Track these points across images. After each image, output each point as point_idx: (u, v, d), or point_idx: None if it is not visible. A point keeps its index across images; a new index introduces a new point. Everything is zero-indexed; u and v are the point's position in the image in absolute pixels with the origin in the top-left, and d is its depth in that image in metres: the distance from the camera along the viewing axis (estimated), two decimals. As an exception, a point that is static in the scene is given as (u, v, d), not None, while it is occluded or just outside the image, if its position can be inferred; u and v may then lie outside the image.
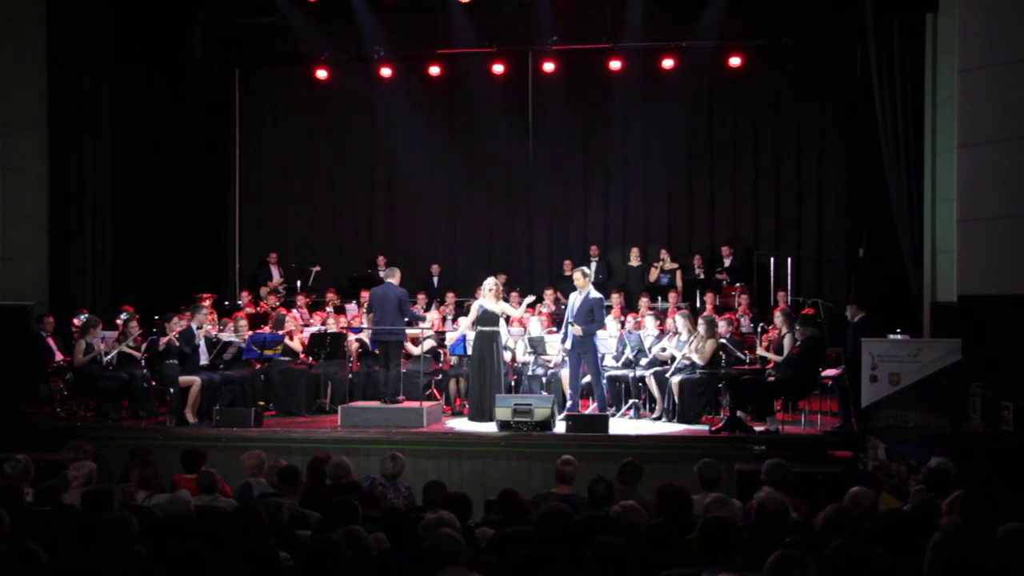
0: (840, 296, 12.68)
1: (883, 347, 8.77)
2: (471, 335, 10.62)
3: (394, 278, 10.70)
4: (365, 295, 12.79)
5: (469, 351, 10.67)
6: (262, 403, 11.01)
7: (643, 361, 10.72)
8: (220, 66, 15.34)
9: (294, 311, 12.28)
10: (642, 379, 10.68)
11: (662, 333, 10.97)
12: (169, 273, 14.47)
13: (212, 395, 10.52)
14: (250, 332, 11.18)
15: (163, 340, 10.40)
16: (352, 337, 11.61)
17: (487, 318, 10.42)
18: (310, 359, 11.26)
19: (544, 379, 10.97)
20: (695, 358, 10.16)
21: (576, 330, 10.12)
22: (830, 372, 10.28)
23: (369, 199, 16.34)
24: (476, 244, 15.92)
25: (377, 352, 11.14)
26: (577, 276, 10.43)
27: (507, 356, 10.98)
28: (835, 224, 14.76)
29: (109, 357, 10.71)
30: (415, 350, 11.29)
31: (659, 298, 13.19)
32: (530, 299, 11.17)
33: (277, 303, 12.98)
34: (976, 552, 3.97)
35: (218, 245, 15.83)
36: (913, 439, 8.40)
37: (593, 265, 13.87)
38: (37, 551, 3.85)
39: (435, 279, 14.86)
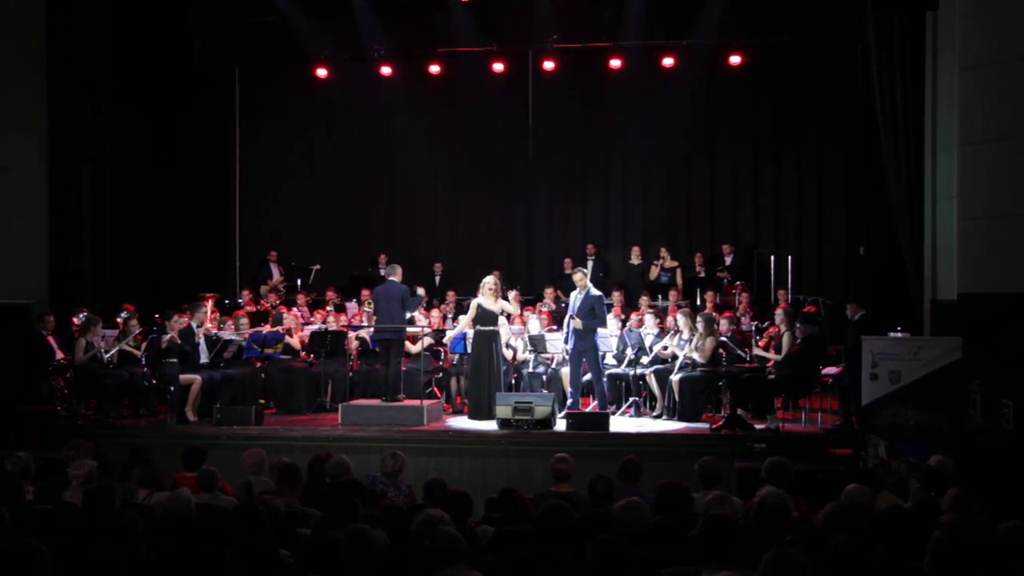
0: (840, 294, 12.66)
1: (883, 345, 8.77)
2: (471, 333, 10.63)
3: (395, 275, 10.73)
4: (365, 293, 12.82)
5: (469, 349, 10.68)
6: (262, 401, 11.01)
7: (644, 359, 10.72)
8: (220, 65, 15.32)
9: (294, 309, 12.28)
10: (642, 377, 10.68)
11: (662, 331, 10.98)
12: (169, 272, 14.49)
13: (212, 393, 10.53)
14: (251, 330, 11.19)
15: (164, 338, 10.40)
16: (352, 335, 11.62)
17: (486, 317, 10.43)
18: (311, 357, 11.26)
19: (545, 377, 10.97)
20: (696, 356, 10.17)
21: (576, 323, 10.13)
22: (830, 370, 10.28)
23: (369, 197, 16.33)
24: (475, 242, 15.90)
25: (378, 350, 11.15)
26: (577, 276, 10.45)
27: (508, 354, 10.99)
28: (835, 222, 14.76)
29: (109, 355, 10.72)
30: (414, 348, 11.30)
31: (659, 296, 13.19)
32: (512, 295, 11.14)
33: (277, 301, 12.99)
34: (976, 550, 3.98)
35: (218, 243, 15.82)
36: (913, 437, 8.39)
37: (590, 263, 13.86)
38: (39, 549, 3.86)
39: (437, 278, 14.86)
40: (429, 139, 15.74)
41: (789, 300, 12.62)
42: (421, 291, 11.85)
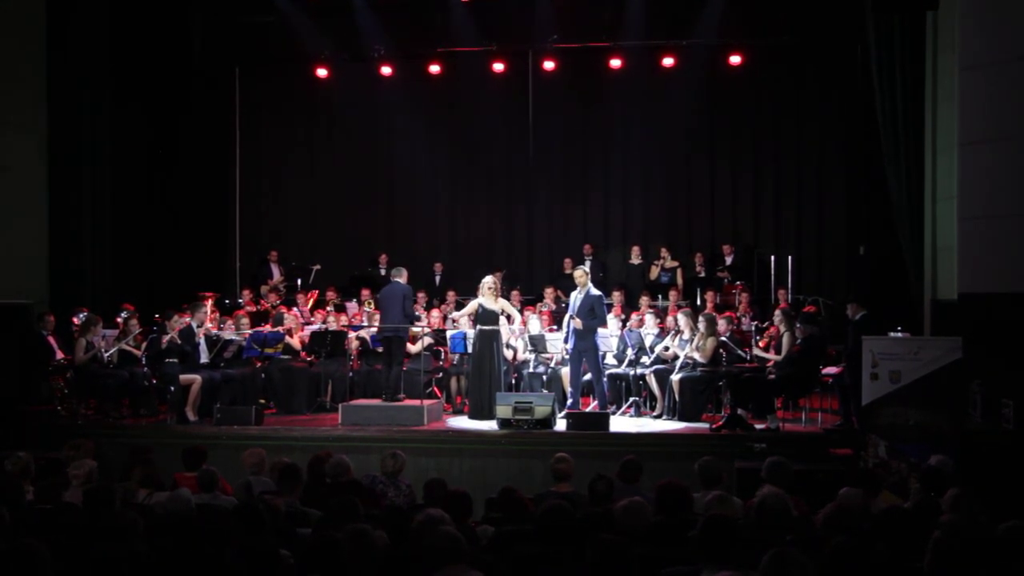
0: (841, 294, 12.67)
1: (884, 345, 8.77)
2: (471, 333, 10.64)
3: (401, 277, 10.76)
4: (366, 293, 12.84)
5: (470, 349, 10.68)
6: (263, 401, 11.01)
7: (644, 359, 10.72)
8: (220, 65, 15.32)
9: (295, 309, 12.28)
10: (643, 377, 10.68)
11: (662, 331, 10.98)
12: (169, 272, 14.49)
13: (213, 393, 10.53)
14: (251, 330, 11.19)
15: (165, 338, 10.40)
16: (352, 335, 11.62)
17: (487, 317, 10.43)
18: (311, 357, 11.26)
19: (545, 377, 10.97)
20: (697, 356, 10.17)
21: (576, 323, 10.13)
22: (831, 370, 10.28)
23: (369, 197, 16.33)
24: (476, 243, 15.91)
25: (380, 350, 11.15)
26: (579, 274, 10.45)
27: (508, 354, 10.99)
28: (836, 222, 14.76)
29: (109, 355, 10.70)
30: (413, 348, 11.31)
31: (659, 296, 13.19)
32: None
33: (278, 301, 13.00)
34: (976, 550, 3.98)
35: (218, 243, 15.82)
36: (914, 437, 8.39)
37: (588, 263, 13.85)
38: (39, 549, 3.85)
39: (437, 278, 14.87)
40: (429, 139, 15.73)
41: (789, 300, 12.63)
42: (420, 308, 11.99)
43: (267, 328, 11.27)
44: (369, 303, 12.45)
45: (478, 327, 10.48)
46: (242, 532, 4.63)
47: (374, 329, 11.41)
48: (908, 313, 10.77)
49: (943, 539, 3.97)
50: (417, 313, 11.63)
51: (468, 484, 7.52)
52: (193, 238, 15.08)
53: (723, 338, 10.22)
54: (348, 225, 16.20)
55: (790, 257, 13.70)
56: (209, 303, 11.75)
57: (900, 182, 11.12)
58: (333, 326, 11.48)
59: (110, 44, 13.43)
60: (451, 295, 13.43)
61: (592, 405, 10.49)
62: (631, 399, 10.77)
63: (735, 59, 14.37)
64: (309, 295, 13.54)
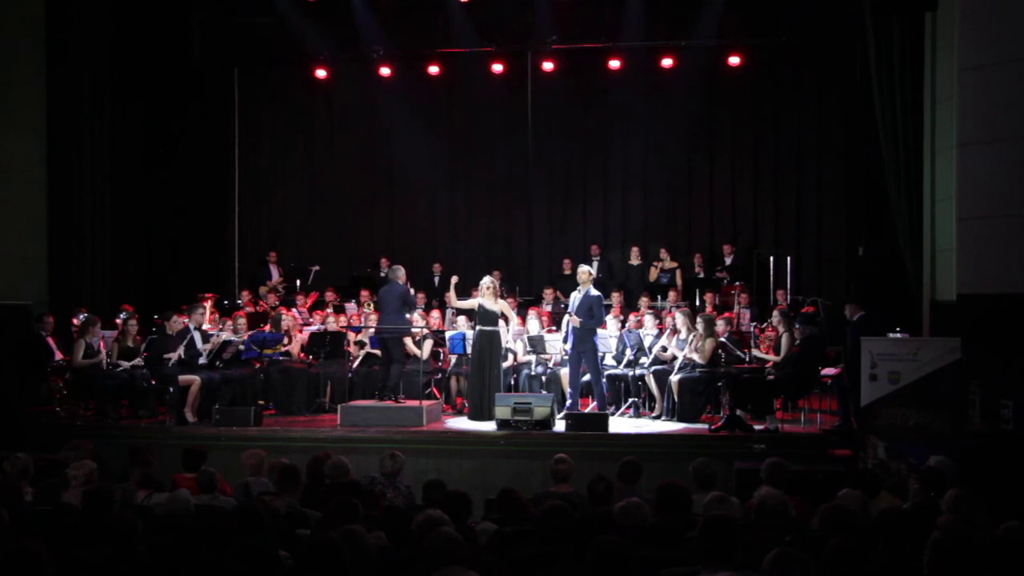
0: (840, 295, 12.66)
1: (883, 346, 8.76)
2: (471, 334, 10.64)
3: (398, 277, 10.77)
4: (365, 295, 12.84)
5: (469, 350, 10.68)
6: (262, 402, 10.99)
7: (643, 360, 10.71)
8: (219, 66, 15.32)
9: (294, 310, 12.28)
10: (642, 378, 10.68)
11: (661, 332, 10.97)
12: (169, 272, 14.49)
13: (212, 394, 10.51)
14: (249, 331, 11.18)
15: (171, 357, 10.38)
16: (352, 337, 11.60)
17: (487, 317, 10.42)
18: (310, 358, 11.25)
19: (544, 378, 10.97)
20: (695, 357, 10.17)
21: (574, 320, 10.13)
22: (829, 371, 10.28)
23: (368, 198, 16.33)
24: (475, 243, 15.92)
25: (379, 353, 11.14)
26: (582, 273, 10.44)
27: (509, 359, 10.99)
28: (835, 222, 14.76)
29: (121, 370, 10.65)
30: (416, 351, 11.30)
31: (659, 297, 13.19)
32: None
33: (277, 302, 12.99)
34: (975, 550, 3.98)
35: (218, 244, 15.83)
36: (913, 438, 8.39)
37: (594, 264, 13.86)
38: (38, 550, 3.85)
39: (436, 278, 14.86)
40: (429, 139, 15.72)
41: (788, 300, 12.63)
42: (419, 296, 11.96)
43: (266, 329, 11.26)
44: (368, 304, 12.45)
45: (478, 328, 10.48)
46: (241, 533, 4.63)
47: (372, 331, 11.40)
48: (907, 314, 10.77)
49: (942, 539, 3.97)
50: (417, 311, 11.63)
51: (467, 485, 7.52)
52: (192, 239, 15.09)
53: (722, 339, 10.22)
54: (347, 225, 16.21)
55: (789, 258, 13.71)
56: (208, 304, 11.74)
57: (899, 183, 11.11)
58: (332, 327, 11.48)
59: (110, 44, 13.42)
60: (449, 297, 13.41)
61: (591, 406, 10.49)
62: (630, 400, 10.76)
63: (734, 60, 14.37)
64: (309, 297, 13.53)
